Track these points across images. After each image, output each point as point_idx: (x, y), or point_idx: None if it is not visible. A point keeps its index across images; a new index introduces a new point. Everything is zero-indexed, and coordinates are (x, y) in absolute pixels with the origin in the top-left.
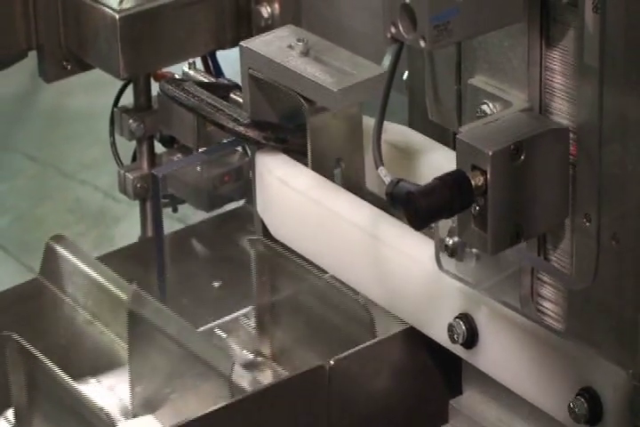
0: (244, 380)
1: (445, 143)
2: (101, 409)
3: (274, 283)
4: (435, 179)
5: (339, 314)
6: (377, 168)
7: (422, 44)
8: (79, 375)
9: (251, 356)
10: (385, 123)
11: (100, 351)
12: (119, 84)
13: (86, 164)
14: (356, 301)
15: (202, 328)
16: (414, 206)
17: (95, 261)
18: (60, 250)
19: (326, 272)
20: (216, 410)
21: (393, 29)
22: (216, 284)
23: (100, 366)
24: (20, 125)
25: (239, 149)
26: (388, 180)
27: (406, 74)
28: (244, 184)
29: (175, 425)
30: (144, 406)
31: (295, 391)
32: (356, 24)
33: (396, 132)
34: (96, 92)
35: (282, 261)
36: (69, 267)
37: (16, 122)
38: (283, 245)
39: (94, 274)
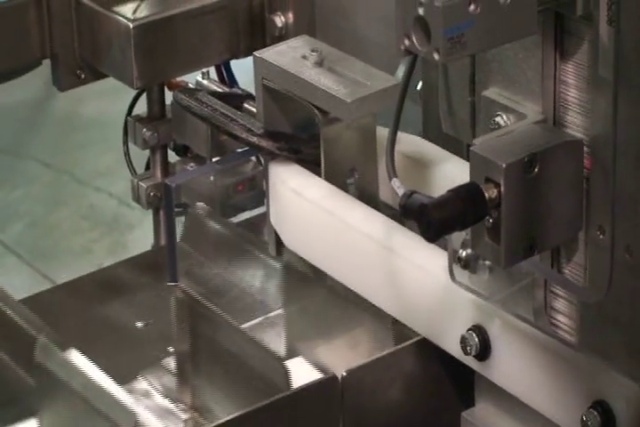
0: None
1: (459, 154)
2: (274, 353)
3: (193, 330)
4: (448, 191)
5: (255, 364)
6: (390, 180)
7: (436, 56)
8: None
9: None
10: (398, 133)
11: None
12: (133, 91)
13: (100, 171)
14: (270, 353)
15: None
16: (427, 219)
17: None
18: None
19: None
20: (226, 422)
21: (406, 42)
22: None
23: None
24: (34, 132)
25: (253, 158)
26: (401, 191)
27: (420, 84)
28: (258, 194)
29: None
30: None
31: (307, 402)
32: (370, 34)
33: (409, 142)
34: (110, 99)
35: (199, 308)
36: None
37: (30, 129)
38: (203, 292)
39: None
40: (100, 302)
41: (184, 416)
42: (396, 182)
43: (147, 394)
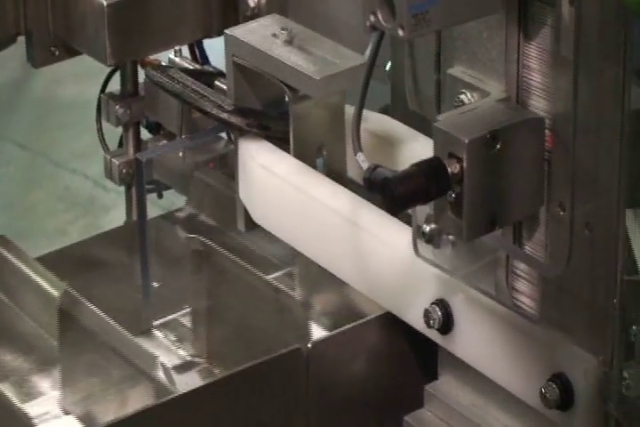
0: (174, 382)
1: (426, 133)
2: (295, 299)
3: (210, 281)
4: (411, 165)
5: (274, 314)
6: (355, 154)
7: (401, 32)
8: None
9: (186, 356)
10: (366, 111)
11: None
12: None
13: (77, 153)
14: (293, 299)
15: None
16: (391, 192)
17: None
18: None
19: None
20: (188, 392)
21: (372, 18)
22: None
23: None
24: (10, 114)
25: (224, 136)
26: (365, 165)
27: (389, 64)
28: (229, 172)
29: (141, 410)
30: (74, 405)
31: (272, 373)
32: (342, 15)
33: (377, 120)
34: (87, 81)
35: (219, 259)
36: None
37: (7, 110)
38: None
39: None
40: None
41: (198, 367)
42: (360, 157)
43: (162, 347)
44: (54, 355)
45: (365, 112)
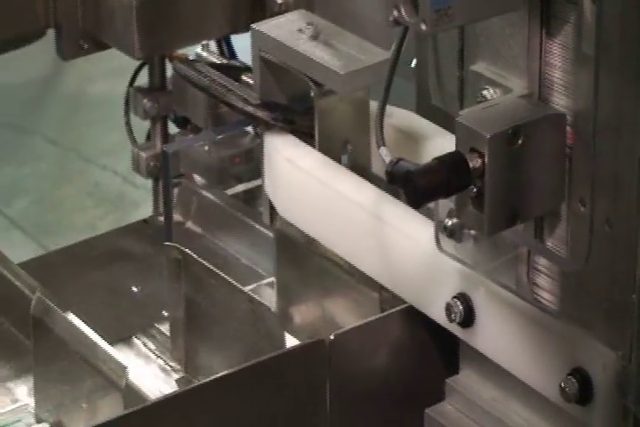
0: (149, 391)
1: (450, 130)
2: (270, 310)
3: (187, 288)
4: (433, 159)
5: (249, 324)
6: (378, 148)
7: (423, 27)
8: None
9: (163, 364)
10: (391, 108)
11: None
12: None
13: (106, 149)
14: (268, 309)
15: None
16: (412, 185)
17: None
18: None
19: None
20: (212, 381)
21: (395, 13)
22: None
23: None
24: (41, 110)
25: (250, 131)
26: (388, 159)
27: (414, 61)
28: (255, 166)
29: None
30: (47, 412)
31: (294, 364)
32: (368, 12)
33: (402, 116)
34: (117, 78)
35: (196, 268)
36: None
37: (38, 106)
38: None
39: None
40: (97, 267)
41: (176, 376)
42: (383, 150)
43: (140, 354)
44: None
45: (390, 108)
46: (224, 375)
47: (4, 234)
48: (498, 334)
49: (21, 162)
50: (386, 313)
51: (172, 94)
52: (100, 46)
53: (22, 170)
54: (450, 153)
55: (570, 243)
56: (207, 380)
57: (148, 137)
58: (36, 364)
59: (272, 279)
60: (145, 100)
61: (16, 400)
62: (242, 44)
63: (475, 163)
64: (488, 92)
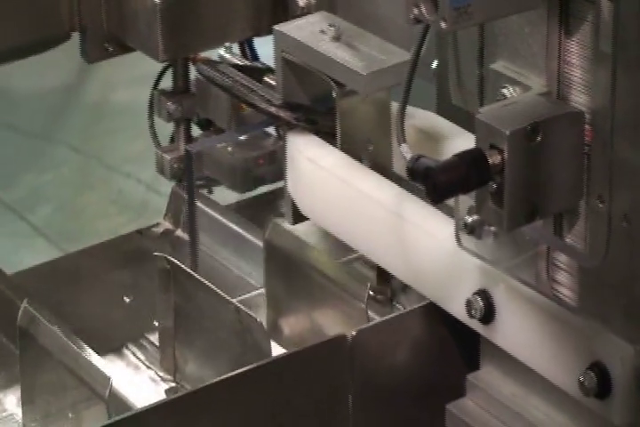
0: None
1: (471, 131)
2: (258, 321)
3: (176, 298)
4: (453, 155)
5: (236, 334)
6: (399, 145)
7: (443, 25)
8: None
9: (153, 374)
10: (413, 108)
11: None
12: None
13: (129, 157)
14: (254, 319)
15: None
16: (433, 181)
17: None
18: None
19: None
20: (232, 376)
21: (415, 11)
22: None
23: None
24: (64, 118)
25: (273, 133)
26: (409, 156)
27: (435, 63)
28: (278, 168)
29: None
30: (34, 422)
31: (316, 359)
32: (389, 14)
33: (423, 117)
34: (140, 87)
35: (184, 278)
36: None
37: (61, 114)
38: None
39: None
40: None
41: (166, 386)
42: (404, 147)
43: (131, 365)
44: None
45: (411, 109)
46: (245, 371)
47: (28, 241)
48: (518, 330)
49: (44, 169)
50: (407, 310)
51: (195, 97)
52: (125, 49)
53: (45, 177)
54: (469, 149)
55: (588, 239)
56: (230, 374)
57: (172, 140)
58: (23, 374)
59: (262, 290)
60: (169, 103)
61: (4, 410)
62: (263, 50)
63: (494, 159)
64: (507, 91)
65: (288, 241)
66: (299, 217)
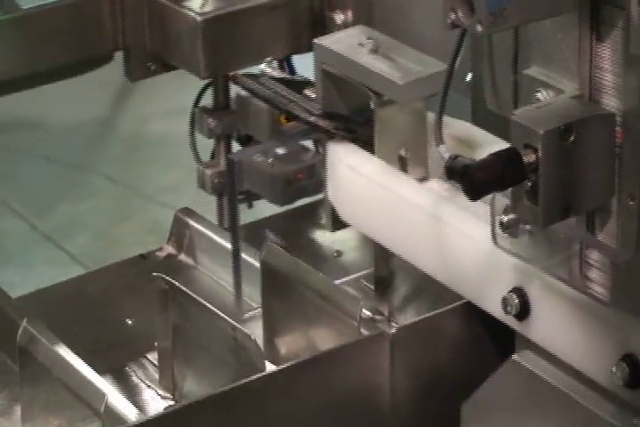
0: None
1: (506, 140)
2: (252, 338)
3: (175, 319)
4: (490, 154)
5: (232, 351)
6: (437, 146)
7: (479, 28)
8: None
9: (153, 392)
10: (449, 118)
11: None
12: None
13: (165, 187)
14: (249, 337)
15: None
16: (470, 178)
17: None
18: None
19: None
20: (285, 368)
21: (452, 15)
22: None
23: None
24: (101, 149)
25: (312, 148)
26: (447, 155)
27: (469, 76)
28: (317, 182)
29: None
30: None
31: (357, 356)
32: (427, 32)
33: (459, 126)
34: (174, 119)
35: (182, 298)
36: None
37: (97, 145)
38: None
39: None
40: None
41: (165, 404)
42: (442, 148)
43: (131, 384)
44: None
45: (448, 119)
46: (286, 367)
47: (65, 270)
48: (552, 325)
49: (81, 199)
50: (444, 308)
51: (235, 113)
52: (167, 67)
53: (82, 207)
54: (505, 149)
55: (620, 236)
56: (278, 368)
57: (212, 156)
58: (22, 392)
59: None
60: (210, 120)
61: None
62: (300, 65)
63: (529, 158)
64: (541, 95)
65: (283, 262)
66: (338, 224)
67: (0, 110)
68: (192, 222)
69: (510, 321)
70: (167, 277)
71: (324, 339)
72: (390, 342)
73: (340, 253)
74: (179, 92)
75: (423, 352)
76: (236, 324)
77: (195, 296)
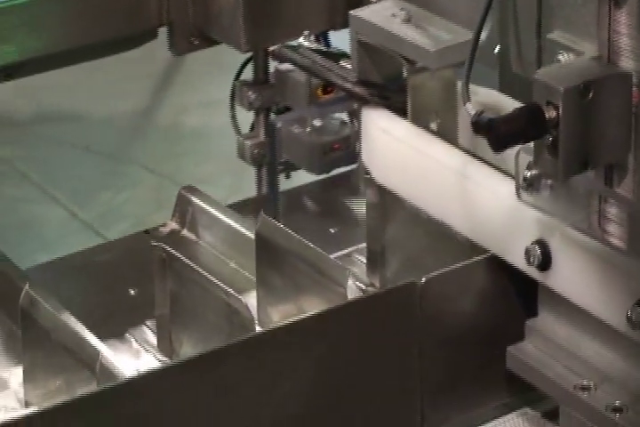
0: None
1: None
2: (242, 302)
3: (172, 287)
4: (514, 109)
5: (225, 316)
6: (464, 104)
7: None
8: None
9: (151, 357)
10: (476, 87)
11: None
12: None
13: (201, 178)
14: (241, 301)
15: None
16: (495, 131)
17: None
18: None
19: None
20: (314, 315)
21: None
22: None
23: None
24: (140, 140)
25: (347, 121)
26: (473, 112)
27: (498, 47)
28: (352, 153)
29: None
30: (36, 397)
31: (387, 305)
32: (456, 3)
33: (486, 94)
34: (212, 111)
35: (178, 265)
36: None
37: (137, 136)
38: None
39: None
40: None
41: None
42: (469, 106)
43: (131, 350)
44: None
45: (475, 87)
46: (322, 312)
47: None
48: (572, 274)
49: (120, 188)
50: (471, 261)
51: (274, 87)
52: (209, 42)
53: (121, 196)
54: (528, 104)
55: (636, 190)
56: (307, 314)
57: (252, 128)
58: (24, 353)
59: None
60: (249, 93)
61: (7, 388)
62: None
63: (550, 114)
64: (563, 57)
65: (276, 233)
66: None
67: (43, 102)
68: (195, 199)
69: (533, 272)
70: (165, 246)
71: (314, 306)
72: (420, 291)
73: None
74: (216, 84)
75: (450, 302)
76: (229, 289)
77: (190, 263)
